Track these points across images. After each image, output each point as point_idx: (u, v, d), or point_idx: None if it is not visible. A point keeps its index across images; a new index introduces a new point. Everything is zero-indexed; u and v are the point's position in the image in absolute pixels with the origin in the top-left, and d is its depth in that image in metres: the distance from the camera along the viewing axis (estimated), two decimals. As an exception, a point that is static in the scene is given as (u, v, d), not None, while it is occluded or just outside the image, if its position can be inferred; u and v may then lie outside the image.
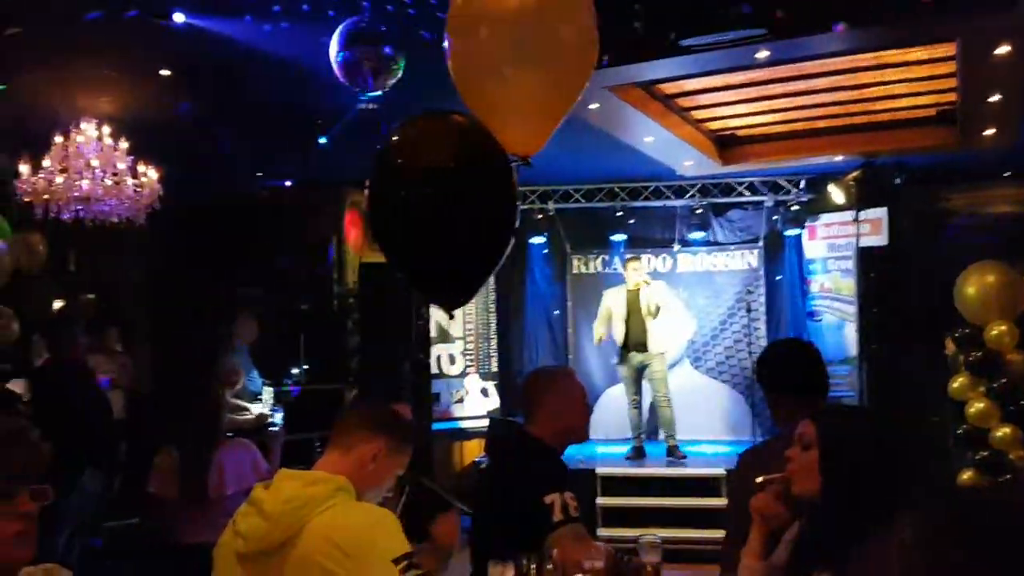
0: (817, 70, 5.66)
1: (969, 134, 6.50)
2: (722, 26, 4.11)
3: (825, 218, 8.38)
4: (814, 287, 8.50)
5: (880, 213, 7.87)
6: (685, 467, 7.21)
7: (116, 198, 5.89)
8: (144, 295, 8.63)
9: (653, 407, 7.73)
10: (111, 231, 6.56)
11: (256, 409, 6.75)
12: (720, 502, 6.68)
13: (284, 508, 1.87)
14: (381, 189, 2.57)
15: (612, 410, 7.96)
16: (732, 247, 8.65)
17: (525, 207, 8.37)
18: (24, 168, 5.78)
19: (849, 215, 8.07)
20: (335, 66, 3.98)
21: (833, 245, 8.37)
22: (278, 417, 6.63)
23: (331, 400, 7.66)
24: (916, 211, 7.86)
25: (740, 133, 7.28)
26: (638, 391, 7.60)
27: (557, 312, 9.02)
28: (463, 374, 8.82)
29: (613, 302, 7.63)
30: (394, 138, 2.57)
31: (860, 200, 7.89)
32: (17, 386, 5.58)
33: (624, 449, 7.66)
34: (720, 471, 6.89)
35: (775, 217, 8.45)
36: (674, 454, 7.35)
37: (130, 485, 6.65)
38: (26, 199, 5.87)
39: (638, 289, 7.52)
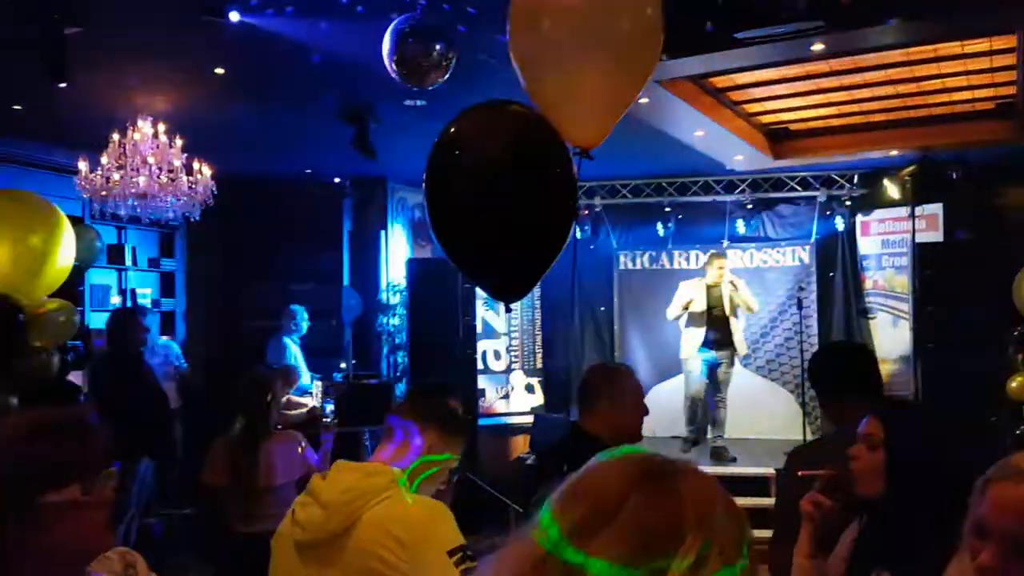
0: (873, 62, 5.55)
1: (1028, 128, 6.32)
2: (778, 18, 4.05)
3: (879, 213, 8.22)
4: (867, 284, 8.34)
5: (936, 208, 7.71)
6: (734, 466, 7.12)
7: (172, 194, 6.00)
8: (197, 289, 8.79)
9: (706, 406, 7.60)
10: (167, 227, 6.71)
11: (308, 402, 6.86)
12: (769, 501, 6.60)
13: (341, 498, 1.90)
14: (438, 181, 2.55)
15: (661, 407, 7.87)
16: (783, 243, 8.52)
17: (572, 202, 8.33)
18: (83, 165, 5.91)
19: (904, 210, 7.90)
20: (387, 62, 4.00)
21: (887, 241, 8.21)
22: (329, 409, 6.74)
23: (378, 394, 7.73)
24: (973, 206, 7.66)
25: (793, 127, 7.18)
26: (701, 391, 7.40)
27: (603, 308, 8.98)
28: (508, 370, 8.83)
29: (693, 294, 7.39)
30: (451, 129, 2.55)
31: (916, 195, 7.72)
32: (77, 378, 5.74)
33: (672, 444, 7.63)
34: (769, 470, 6.81)
35: (827, 212, 8.31)
36: (722, 456, 7.24)
37: (186, 475, 6.82)
38: (85, 195, 6.01)
39: (718, 285, 7.35)
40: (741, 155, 7.26)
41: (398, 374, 8.28)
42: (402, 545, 1.81)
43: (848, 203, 8.26)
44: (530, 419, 8.42)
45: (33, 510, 1.37)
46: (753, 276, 8.43)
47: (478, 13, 4.13)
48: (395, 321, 8.52)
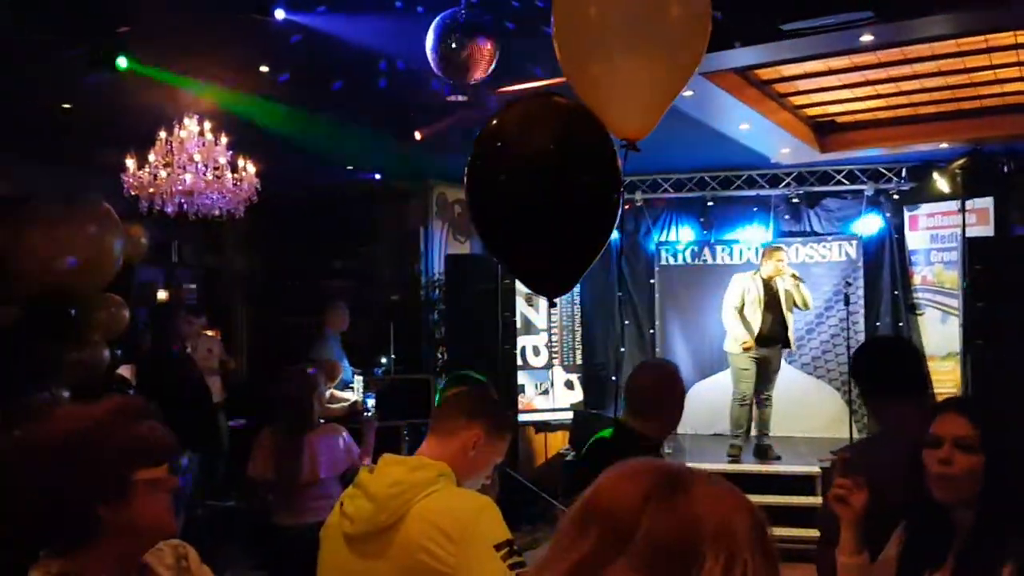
0: (923, 53, 5.43)
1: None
2: (826, 9, 3.97)
3: (928, 207, 8.05)
4: (916, 279, 8.18)
5: (987, 202, 7.53)
6: (779, 465, 7.02)
7: (217, 191, 6.08)
8: (241, 285, 8.91)
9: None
10: (212, 223, 6.80)
11: (349, 396, 6.92)
12: (814, 500, 6.51)
13: (389, 492, 1.90)
14: (481, 175, 2.54)
15: (702, 405, 7.82)
16: (829, 238, 8.38)
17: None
18: (130, 163, 6.02)
19: (954, 204, 7.73)
20: (430, 58, 4.00)
21: (936, 236, 8.04)
22: (370, 403, 6.78)
23: (418, 390, 7.77)
24: (1026, 200, 7.47)
25: (840, 119, 7.06)
26: (750, 387, 7.17)
27: (644, 304, 8.91)
28: (548, 366, 8.80)
29: (747, 289, 7.18)
30: (494, 122, 2.53)
31: (966, 189, 7.54)
32: (125, 371, 5.85)
33: (714, 441, 7.54)
34: (814, 469, 6.70)
35: (875, 206, 8.16)
36: (767, 454, 7.11)
37: (229, 468, 6.92)
38: (133, 192, 6.12)
39: (774, 280, 7.16)
40: (787, 148, 7.16)
41: (438, 369, 8.30)
42: (450, 539, 1.81)
43: (896, 197, 8.11)
44: (569, 415, 8.39)
45: (127, 487, 1.42)
46: (798, 271, 8.29)
47: (521, 6, 4.11)
48: (435, 317, 8.55)
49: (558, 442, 8.49)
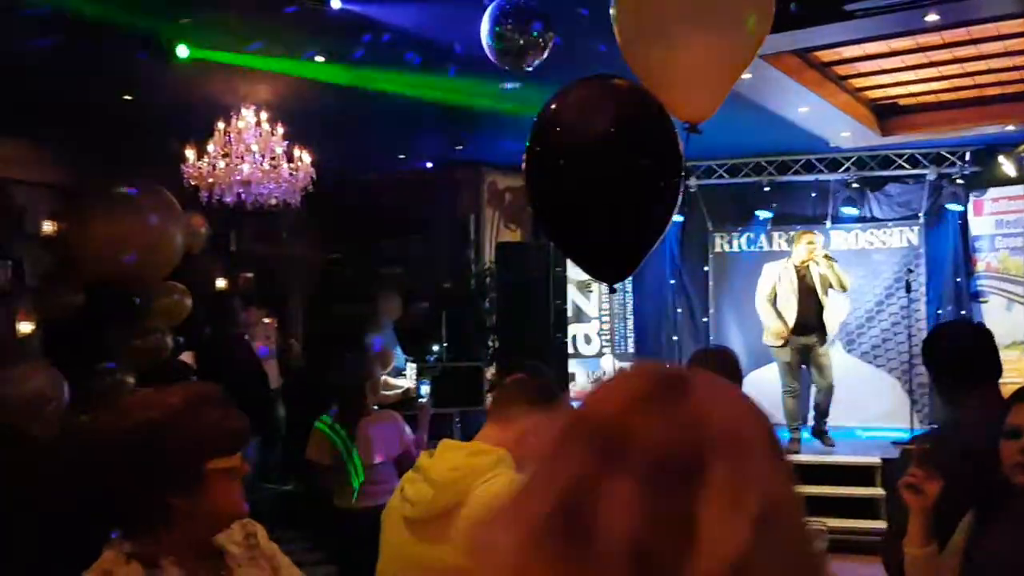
0: (989, 33, 5.27)
1: None
2: (890, -13, 3.86)
3: (993, 192, 7.80)
4: (980, 266, 7.93)
5: (1056, 186, 7.27)
6: (838, 455, 6.89)
7: (274, 181, 6.17)
8: (297, 273, 9.04)
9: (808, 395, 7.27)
10: (268, 213, 6.90)
11: (402, 383, 6.99)
12: (874, 491, 6.38)
13: (449, 476, 1.91)
14: (539, 160, 2.52)
15: (757, 393, 7.62)
16: (890, 223, 8.17)
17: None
18: (190, 153, 6.13)
19: (1020, 189, 7.51)
20: (485, 45, 4.00)
21: (1001, 221, 7.78)
22: (424, 390, 6.84)
23: (470, 377, 7.80)
24: (1096, 183, 7.19)
25: (902, 102, 6.88)
26: (798, 378, 7.03)
27: (698, 292, 8.81)
28: (599, 354, 8.77)
29: (779, 279, 7.05)
30: (552, 106, 2.50)
31: (1033, 172, 7.30)
32: (187, 357, 5.99)
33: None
34: (875, 460, 6.56)
35: (937, 191, 7.94)
36: (823, 439, 6.98)
37: (287, 452, 7.05)
38: (192, 183, 6.23)
39: (807, 265, 6.99)
40: (847, 132, 7.00)
41: (489, 357, 8.33)
42: None
43: (960, 181, 7.87)
44: (622, 404, 8.34)
45: (201, 475, 1.44)
46: (858, 258, 8.12)
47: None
48: (486, 305, 8.57)
49: (611, 431, 8.45)
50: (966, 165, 7.81)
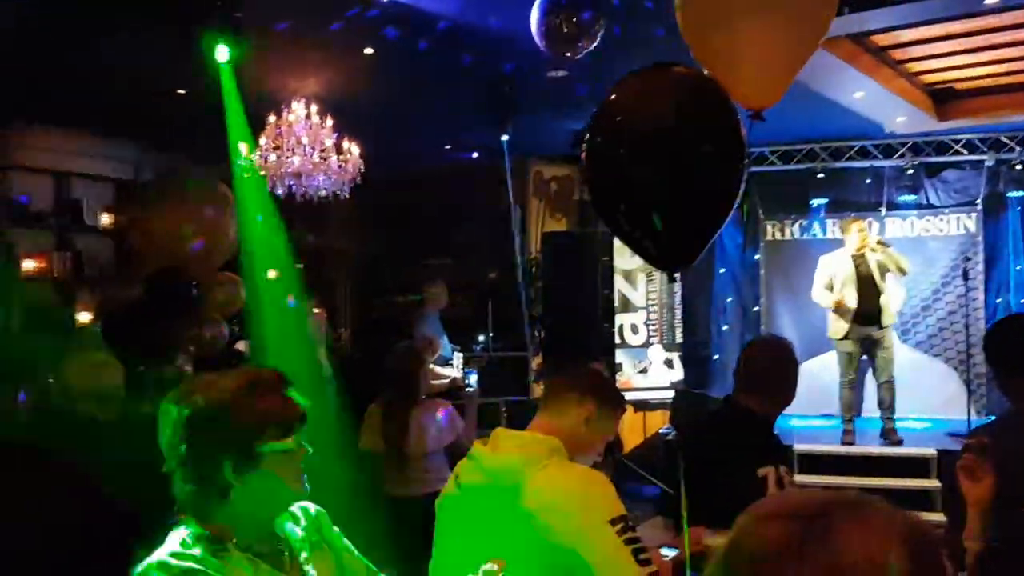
0: (1054, 15, 5.08)
1: None
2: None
3: (1054, 178, 7.55)
4: (1040, 254, 7.71)
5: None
6: (892, 446, 6.75)
7: (323, 173, 6.23)
8: (346, 264, 9.14)
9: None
10: (317, 204, 6.98)
11: (450, 373, 7.03)
12: (930, 483, 6.26)
13: (504, 464, 1.93)
14: (599, 149, 2.49)
15: (810, 386, 7.52)
16: (947, 210, 7.97)
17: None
18: (243, 146, 6.21)
19: (1082, 174, 7.25)
20: (535, 32, 3.98)
21: (1063, 207, 7.55)
22: (472, 379, 6.88)
23: (516, 367, 7.81)
24: None
25: (959, 86, 6.70)
26: (857, 369, 6.88)
27: (748, 280, 8.69)
28: (647, 344, 8.70)
29: (836, 269, 6.90)
30: (612, 95, 2.48)
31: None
32: (242, 346, 6.10)
33: (822, 423, 7.32)
34: (930, 451, 6.43)
35: (996, 177, 7.73)
36: (890, 436, 6.81)
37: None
38: (245, 176, 6.32)
39: (862, 253, 6.82)
40: (902, 117, 6.84)
41: (536, 347, 8.33)
42: (565, 512, 1.81)
43: (1019, 167, 7.62)
44: (668, 394, 8.28)
45: (256, 456, 1.48)
46: (914, 245, 7.93)
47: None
48: (532, 295, 8.57)
49: (657, 421, 8.41)
50: (1026, 150, 7.59)
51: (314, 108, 6.12)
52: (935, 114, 6.87)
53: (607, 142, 2.45)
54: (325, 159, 6.19)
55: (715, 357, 8.64)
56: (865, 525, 0.75)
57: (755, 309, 8.63)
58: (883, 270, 6.78)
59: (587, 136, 2.51)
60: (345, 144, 6.36)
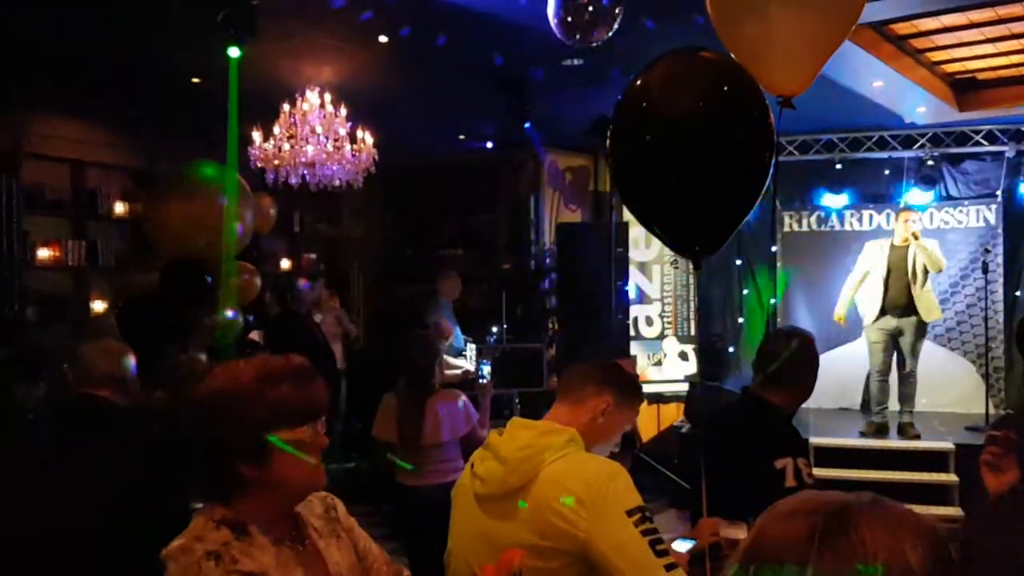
0: (1079, 2, 4.99)
1: None
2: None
3: (1077, 170, 7.45)
4: (1061, 247, 7.60)
5: None
6: (909, 440, 6.69)
7: (337, 162, 6.21)
8: (360, 253, 9.14)
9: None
10: (331, 194, 6.97)
11: (462, 364, 7.01)
12: (948, 478, 6.20)
13: (519, 454, 1.91)
14: (625, 136, 2.45)
15: (829, 378, 7.44)
16: (967, 202, 7.86)
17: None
18: (256, 136, 6.21)
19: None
20: (552, 20, 3.94)
21: (1085, 200, 7.44)
22: (485, 370, 6.85)
23: (530, 359, 7.77)
24: None
25: (980, 76, 6.61)
26: (887, 360, 6.79)
27: (765, 272, 8.61)
28: (661, 336, 8.66)
29: (874, 260, 6.82)
30: (638, 82, 2.44)
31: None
32: (256, 336, 6.11)
33: (838, 418, 7.26)
34: (948, 445, 6.38)
35: (1017, 169, 7.63)
36: (907, 432, 6.74)
37: (349, 430, 7.16)
38: (259, 164, 6.32)
39: (906, 245, 6.72)
40: (922, 107, 6.76)
41: (550, 338, 8.31)
42: (582, 502, 1.80)
43: (1041, 159, 7.53)
44: (683, 387, 8.25)
45: (268, 446, 1.47)
46: (933, 237, 7.81)
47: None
48: (546, 286, 8.54)
49: (671, 414, 8.37)
50: (1049, 142, 7.49)
51: (328, 97, 6.10)
52: (956, 104, 6.79)
53: (632, 129, 2.41)
54: (339, 148, 6.17)
55: (730, 350, 8.58)
56: (883, 522, 0.77)
57: (772, 301, 8.56)
58: (921, 264, 6.67)
59: (613, 122, 2.48)
60: (359, 133, 6.34)
